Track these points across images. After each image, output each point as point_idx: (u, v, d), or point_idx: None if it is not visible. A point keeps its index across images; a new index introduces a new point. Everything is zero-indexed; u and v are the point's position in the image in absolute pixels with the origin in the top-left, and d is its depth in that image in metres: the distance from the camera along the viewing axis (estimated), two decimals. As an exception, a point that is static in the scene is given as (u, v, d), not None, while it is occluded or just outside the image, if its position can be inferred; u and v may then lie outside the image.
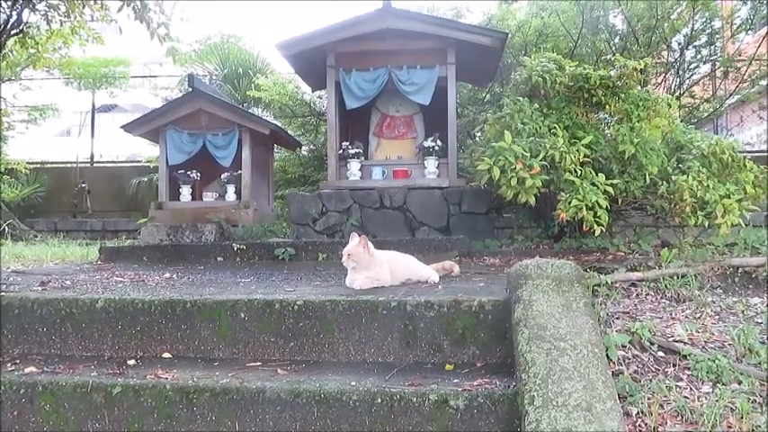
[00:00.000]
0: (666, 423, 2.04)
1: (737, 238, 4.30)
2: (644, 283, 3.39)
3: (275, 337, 2.76)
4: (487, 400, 2.16)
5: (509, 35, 7.07)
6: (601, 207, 4.03)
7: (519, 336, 2.30)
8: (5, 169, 9.90)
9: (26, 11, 5.04)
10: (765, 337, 2.62)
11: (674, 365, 2.41)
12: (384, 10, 6.15)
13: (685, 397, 2.17)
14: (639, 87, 4.99)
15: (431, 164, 6.38)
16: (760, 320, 2.85)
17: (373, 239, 4.34)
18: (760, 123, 10.28)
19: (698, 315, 2.93)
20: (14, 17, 4.91)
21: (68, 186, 10.77)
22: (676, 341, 2.57)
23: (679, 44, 8.61)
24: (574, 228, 4.95)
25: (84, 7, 5.41)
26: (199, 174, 7.12)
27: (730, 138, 8.48)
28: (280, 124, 8.54)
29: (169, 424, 2.32)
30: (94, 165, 11.58)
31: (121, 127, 7.22)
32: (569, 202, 4.05)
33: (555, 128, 4.49)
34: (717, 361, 2.34)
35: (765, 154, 9.22)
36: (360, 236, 3.27)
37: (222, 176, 7.05)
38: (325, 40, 6.32)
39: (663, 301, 3.20)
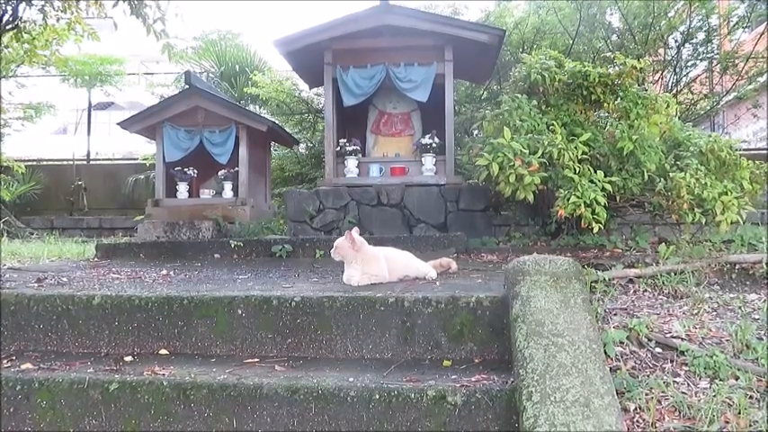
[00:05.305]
0: (664, 418, 2.04)
1: (735, 235, 4.31)
2: (641, 279, 3.40)
3: (273, 333, 2.75)
4: (485, 395, 2.15)
5: (506, 32, 7.06)
6: (599, 204, 4.03)
7: (517, 332, 2.30)
8: (2, 167, 9.86)
9: (22, 5, 5.01)
10: (763, 332, 2.62)
11: (672, 361, 2.41)
12: (381, 7, 6.14)
13: (683, 392, 2.17)
14: (638, 85, 4.99)
15: (428, 161, 6.37)
16: (757, 317, 2.85)
17: (371, 236, 4.34)
18: (755, 121, 10.32)
19: (695, 311, 2.93)
20: (9, 12, 4.88)
21: (65, 184, 10.75)
22: (674, 337, 2.57)
23: (676, 42, 8.63)
24: (571, 225, 4.95)
25: (79, 1, 5.38)
26: (196, 171, 7.11)
27: (726, 136, 8.53)
28: (277, 121, 8.52)
29: (166, 420, 2.31)
30: (91, 162, 11.56)
31: (118, 124, 7.19)
32: (568, 199, 4.04)
33: (553, 125, 4.49)
34: (714, 357, 2.34)
35: (762, 151, 9.26)
36: (350, 231, 3.30)
37: (219, 174, 7.03)
38: (323, 36, 6.31)
39: (660, 297, 3.21)
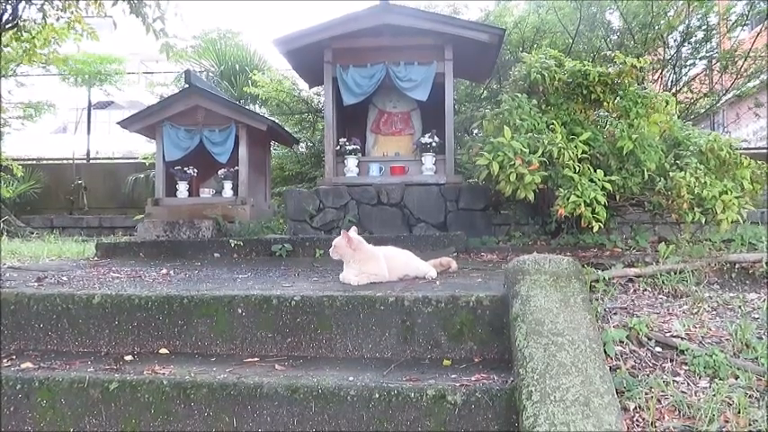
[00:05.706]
0: (664, 418, 2.04)
1: (735, 235, 4.31)
2: (641, 278, 3.40)
3: (273, 332, 2.76)
4: (485, 395, 2.16)
5: (506, 32, 7.05)
6: (599, 203, 4.03)
7: (517, 331, 2.30)
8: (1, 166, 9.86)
9: (22, 4, 5.00)
10: (762, 332, 2.63)
11: (672, 360, 2.42)
12: (381, 6, 6.13)
13: (683, 392, 2.17)
14: (637, 84, 4.99)
15: (428, 160, 6.37)
16: (757, 316, 2.85)
17: (370, 235, 4.35)
18: (756, 120, 10.32)
19: (695, 311, 2.93)
20: (9, 11, 4.88)
21: (65, 183, 10.75)
22: (674, 336, 2.58)
23: (675, 41, 8.63)
24: (571, 224, 4.95)
25: (78, 0, 5.38)
26: (195, 170, 7.09)
27: (727, 134, 8.53)
28: (277, 121, 8.51)
29: (166, 420, 2.32)
30: (91, 161, 11.55)
31: (118, 123, 7.18)
32: (568, 198, 4.04)
33: (553, 124, 4.49)
34: (714, 356, 2.35)
35: (762, 151, 9.26)
36: (347, 231, 3.32)
37: (219, 173, 7.02)
38: (322, 35, 6.30)
39: (660, 296, 3.21)
